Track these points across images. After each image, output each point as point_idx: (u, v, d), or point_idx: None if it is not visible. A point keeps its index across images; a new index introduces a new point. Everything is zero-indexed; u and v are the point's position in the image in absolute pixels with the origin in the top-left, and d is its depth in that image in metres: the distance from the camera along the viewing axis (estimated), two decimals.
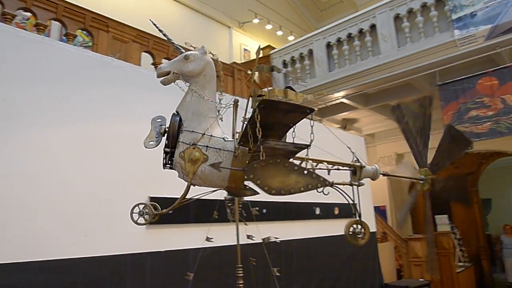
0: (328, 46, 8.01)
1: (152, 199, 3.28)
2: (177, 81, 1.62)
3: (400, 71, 6.90)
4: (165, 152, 1.55)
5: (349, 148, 1.86)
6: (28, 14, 4.58)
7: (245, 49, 11.02)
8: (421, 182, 2.13)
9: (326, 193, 1.53)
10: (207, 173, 1.45)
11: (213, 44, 9.91)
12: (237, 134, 1.58)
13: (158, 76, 1.58)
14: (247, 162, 1.42)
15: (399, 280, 7.75)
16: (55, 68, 3.39)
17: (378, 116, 9.68)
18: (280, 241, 1.95)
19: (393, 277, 7.65)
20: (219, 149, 1.47)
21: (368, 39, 7.28)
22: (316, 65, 8.11)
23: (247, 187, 1.57)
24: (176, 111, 1.58)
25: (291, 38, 11.00)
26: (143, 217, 1.50)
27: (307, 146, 1.43)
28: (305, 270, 5.17)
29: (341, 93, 7.93)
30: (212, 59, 1.67)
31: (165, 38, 1.72)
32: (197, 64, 1.58)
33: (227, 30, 10.66)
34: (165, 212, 1.57)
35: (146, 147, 1.52)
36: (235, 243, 2.19)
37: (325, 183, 1.37)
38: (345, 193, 1.73)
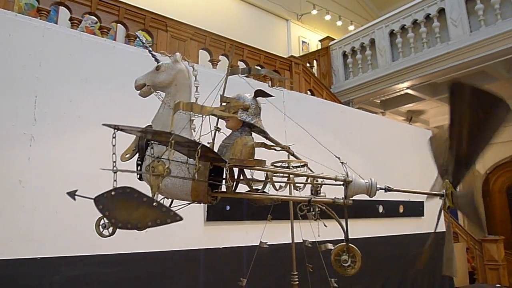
0: (392, 34, 7.59)
1: None
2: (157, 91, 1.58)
3: (472, 58, 6.34)
4: (137, 164, 1.53)
5: (338, 158, 1.55)
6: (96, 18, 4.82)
7: (303, 42, 10.82)
8: (441, 198, 1.62)
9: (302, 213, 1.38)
10: (170, 187, 1.41)
11: (271, 38, 9.83)
12: (209, 144, 1.48)
13: (136, 89, 1.57)
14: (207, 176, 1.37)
15: (472, 284, 7.18)
16: (117, 68, 3.52)
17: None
18: (341, 240, 1.80)
19: (465, 281, 7.11)
20: (181, 162, 1.40)
21: (436, 24, 6.77)
22: (378, 55, 7.72)
23: (267, 197, 1.47)
24: (151, 124, 1.56)
25: (351, 28, 10.60)
26: (108, 230, 1.46)
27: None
28: (367, 271, 4.93)
29: (406, 84, 7.48)
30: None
31: (151, 52, 1.64)
32: (168, 74, 1.53)
33: (285, 23, 10.51)
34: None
35: (121, 160, 1.49)
36: (294, 241, 2.11)
37: (175, 218, 1.17)
38: (329, 210, 1.50)
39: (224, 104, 1.49)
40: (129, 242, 3.18)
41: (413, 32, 7.14)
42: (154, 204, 1.18)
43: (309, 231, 1.86)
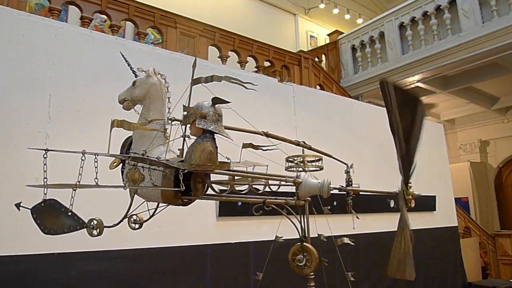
0: (401, 27, 7.51)
1: None
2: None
3: (485, 50, 6.25)
4: (122, 172, 1.65)
5: (300, 162, 1.61)
6: (105, 16, 4.86)
7: (311, 36, 10.76)
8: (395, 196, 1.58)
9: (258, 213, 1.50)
10: (145, 191, 1.56)
11: (279, 32, 9.80)
12: (179, 151, 1.58)
13: (120, 103, 1.70)
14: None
15: (485, 279, 7.13)
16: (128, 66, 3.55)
17: (458, 100, 8.94)
18: (352, 235, 1.81)
19: (477, 276, 7.06)
20: (152, 168, 1.52)
21: (446, 16, 6.68)
22: (388, 48, 7.66)
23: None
24: (131, 135, 1.70)
25: (359, 21, 10.52)
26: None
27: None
28: (377, 266, 4.94)
29: (416, 77, 7.41)
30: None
31: (132, 69, 1.75)
32: (142, 88, 1.65)
33: (292, 18, 10.47)
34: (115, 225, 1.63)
35: (109, 168, 1.63)
36: (309, 236, 2.11)
37: (83, 225, 1.43)
38: (288, 208, 1.55)
39: (184, 113, 1.56)
40: (143, 237, 3.22)
41: (423, 24, 7.06)
42: (69, 213, 1.42)
43: (324, 225, 1.87)
